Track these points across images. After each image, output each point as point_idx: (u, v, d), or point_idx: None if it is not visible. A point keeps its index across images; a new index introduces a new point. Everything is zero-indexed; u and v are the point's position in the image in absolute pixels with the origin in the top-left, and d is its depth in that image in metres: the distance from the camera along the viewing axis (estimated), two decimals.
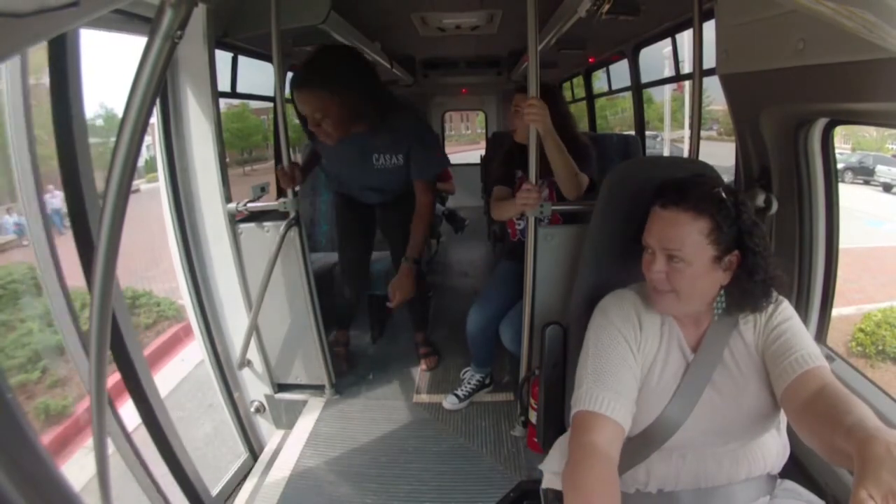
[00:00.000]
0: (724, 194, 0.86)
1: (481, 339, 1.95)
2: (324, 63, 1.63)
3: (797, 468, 1.07)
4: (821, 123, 1.18)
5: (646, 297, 0.95)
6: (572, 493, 0.77)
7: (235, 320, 2.05)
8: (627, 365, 0.89)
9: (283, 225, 1.85)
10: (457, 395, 2.04)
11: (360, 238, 2.28)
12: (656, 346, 0.93)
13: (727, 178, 1.19)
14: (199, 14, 1.69)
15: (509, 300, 1.87)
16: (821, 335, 1.32)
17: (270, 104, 2.54)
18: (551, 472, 1.06)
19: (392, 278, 1.87)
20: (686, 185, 0.87)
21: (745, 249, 0.86)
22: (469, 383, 2.06)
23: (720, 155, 2.05)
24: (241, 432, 2.09)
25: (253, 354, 2.07)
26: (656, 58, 3.12)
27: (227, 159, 1.79)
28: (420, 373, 2.32)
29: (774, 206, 1.31)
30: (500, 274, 1.99)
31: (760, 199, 1.31)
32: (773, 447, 0.92)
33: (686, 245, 0.85)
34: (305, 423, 1.97)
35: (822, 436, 0.72)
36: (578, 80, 4.55)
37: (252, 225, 1.90)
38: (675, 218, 0.86)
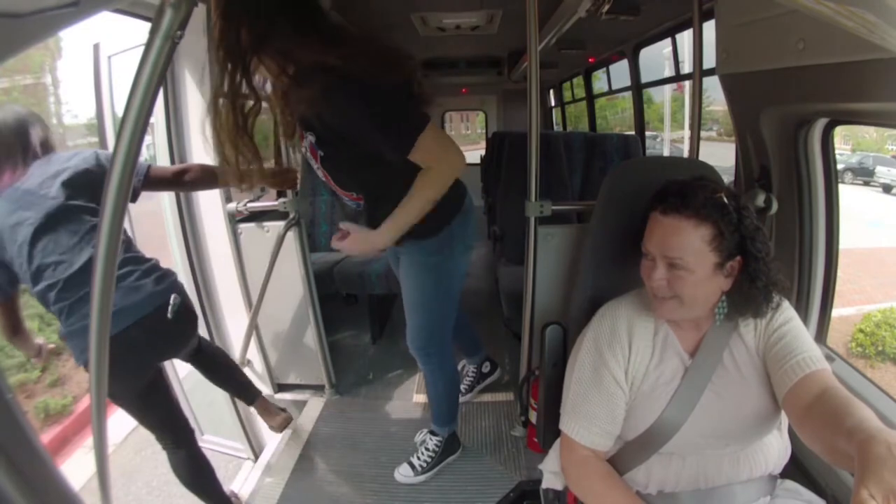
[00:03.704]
0: (726, 199, 0.83)
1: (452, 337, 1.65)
2: None
3: (798, 468, 1.07)
4: (821, 123, 1.17)
5: (642, 305, 0.94)
6: (581, 490, 0.91)
7: (235, 320, 2.05)
8: (609, 394, 0.92)
9: (283, 225, 1.85)
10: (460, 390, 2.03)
11: None
12: (648, 356, 0.92)
13: (727, 178, 1.18)
14: (199, 14, 1.69)
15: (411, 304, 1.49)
16: (821, 335, 1.31)
17: None
18: (551, 472, 1.05)
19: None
20: (687, 189, 0.85)
21: (747, 255, 0.85)
22: (468, 376, 2.06)
23: (720, 155, 2.05)
24: (242, 432, 2.09)
25: (253, 354, 2.07)
26: (656, 58, 3.12)
27: None
28: (420, 372, 2.32)
29: (774, 207, 1.31)
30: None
31: (760, 200, 1.30)
32: (775, 448, 0.91)
33: (688, 253, 0.83)
34: (305, 423, 1.97)
35: (824, 438, 0.71)
36: (578, 80, 4.55)
37: (252, 225, 1.90)
38: (677, 225, 0.84)
